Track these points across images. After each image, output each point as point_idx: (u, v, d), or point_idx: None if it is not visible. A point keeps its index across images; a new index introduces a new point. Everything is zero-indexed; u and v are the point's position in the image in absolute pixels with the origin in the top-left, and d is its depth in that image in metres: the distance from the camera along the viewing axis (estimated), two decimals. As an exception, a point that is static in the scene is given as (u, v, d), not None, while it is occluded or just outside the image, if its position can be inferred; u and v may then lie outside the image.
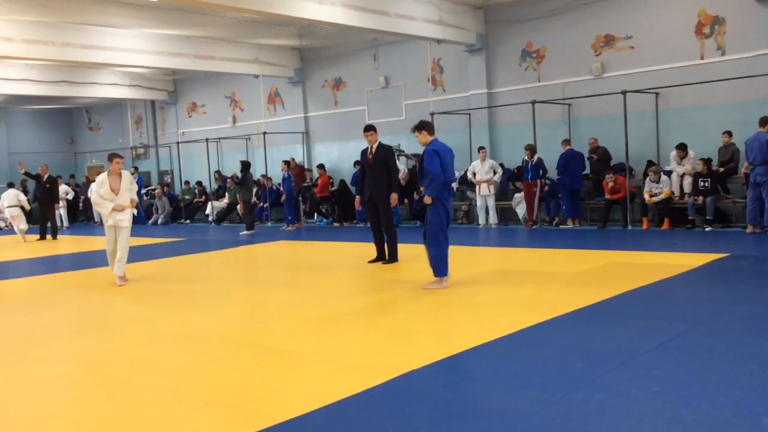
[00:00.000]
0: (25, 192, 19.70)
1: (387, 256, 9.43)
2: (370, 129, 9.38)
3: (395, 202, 9.28)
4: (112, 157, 8.70)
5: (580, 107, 13.91)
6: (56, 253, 13.68)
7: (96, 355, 5.36)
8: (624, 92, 12.42)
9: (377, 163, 9.25)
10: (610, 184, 12.57)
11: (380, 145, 9.41)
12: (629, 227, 12.41)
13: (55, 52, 14.31)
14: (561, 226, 13.25)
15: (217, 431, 3.54)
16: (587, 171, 13.57)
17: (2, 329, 6.56)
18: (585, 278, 7.53)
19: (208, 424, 3.67)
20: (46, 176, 16.65)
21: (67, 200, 20.62)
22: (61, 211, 19.69)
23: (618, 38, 13.38)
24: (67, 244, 15.67)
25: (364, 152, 9.51)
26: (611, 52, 13.48)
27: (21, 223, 16.84)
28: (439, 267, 7.25)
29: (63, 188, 20.00)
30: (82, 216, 22.58)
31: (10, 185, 17.98)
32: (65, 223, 20.55)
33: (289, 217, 16.31)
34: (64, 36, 14.29)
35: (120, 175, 8.72)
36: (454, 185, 8.06)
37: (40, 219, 16.81)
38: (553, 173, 13.55)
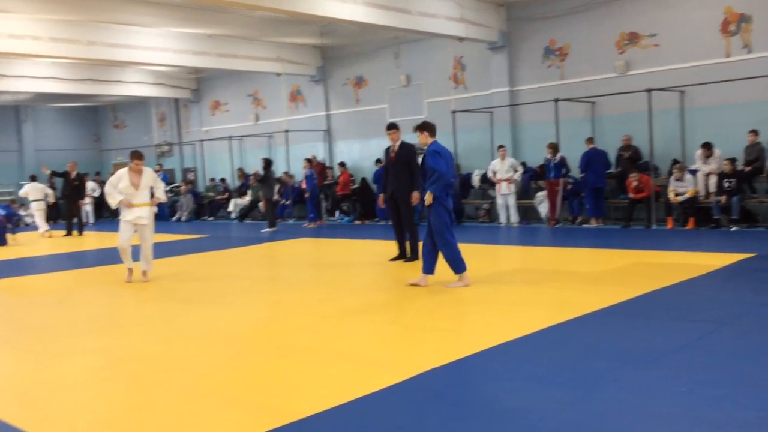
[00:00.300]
0: (53, 189, 20.02)
1: (408, 254, 9.43)
2: (392, 127, 9.38)
3: (416, 201, 9.27)
4: (132, 157, 8.66)
5: (604, 105, 13.78)
6: (82, 249, 13.85)
7: (119, 350, 5.42)
8: (648, 90, 12.28)
9: (399, 161, 9.25)
10: (634, 183, 12.44)
11: (403, 143, 9.41)
12: (653, 227, 12.28)
13: (81, 50, 14.48)
14: (584, 225, 13.14)
15: (238, 427, 3.56)
16: (612, 169, 13.44)
17: (29, 324, 6.65)
18: (608, 278, 7.47)
19: (230, 420, 3.70)
20: (74, 173, 16.89)
21: (93, 197, 20.88)
22: (88, 207, 19.93)
23: (642, 36, 13.23)
24: (92, 240, 15.86)
25: (387, 150, 9.52)
26: (635, 49, 13.34)
27: (42, 223, 17.12)
28: (457, 264, 7.26)
29: (90, 185, 20.25)
30: (107, 212, 22.85)
31: (33, 178, 18.14)
32: (91, 220, 20.80)
33: (311, 215, 16.36)
34: (90, 34, 14.45)
35: (140, 172, 8.67)
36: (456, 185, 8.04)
37: (67, 215, 17.09)
38: (576, 172, 13.45)
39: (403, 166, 9.23)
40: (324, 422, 3.59)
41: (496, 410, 3.62)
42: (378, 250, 10.64)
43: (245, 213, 19.15)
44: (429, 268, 7.37)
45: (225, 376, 4.53)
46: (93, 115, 26.55)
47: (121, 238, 8.65)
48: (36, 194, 17.21)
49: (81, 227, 17.03)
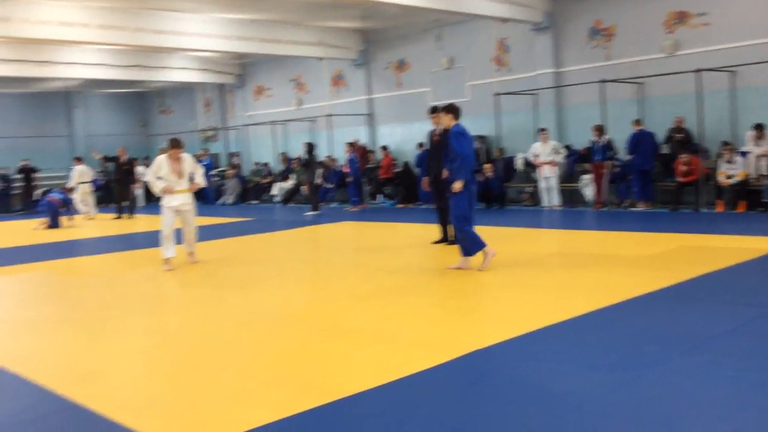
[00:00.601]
0: (107, 173, 20.55)
1: (451, 237, 9.43)
2: (435, 111, 9.36)
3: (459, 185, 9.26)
4: (172, 146, 8.61)
5: (652, 86, 13.50)
6: (132, 232, 14.21)
7: (169, 329, 5.58)
8: (698, 70, 11.99)
9: (443, 144, 9.22)
10: (683, 167, 12.17)
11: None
12: (702, 210, 12.03)
13: (128, 37, 14.77)
14: (631, 209, 12.94)
15: (285, 404, 3.66)
16: (660, 151, 13.18)
17: (84, 304, 6.89)
18: (655, 262, 7.37)
19: (277, 397, 3.80)
20: (124, 158, 17.32)
21: (143, 181, 21.33)
22: (138, 191, 20.39)
23: (692, 15, 12.89)
24: (142, 223, 16.25)
25: (430, 134, 9.52)
26: (684, 29, 13.01)
27: (91, 207, 17.62)
28: (472, 245, 7.26)
29: (139, 169, 20.71)
30: (156, 197, 23.31)
31: (78, 160, 18.47)
32: (141, 203, 21.28)
33: (354, 198, 16.46)
34: (137, 21, 14.72)
35: (180, 159, 8.66)
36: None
37: (118, 199, 17.58)
38: (622, 154, 13.24)
39: (446, 150, 9.19)
40: (368, 401, 3.66)
41: (539, 393, 3.63)
42: (420, 234, 10.67)
43: (289, 196, 19.36)
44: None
45: (271, 355, 4.64)
46: (140, 101, 27.07)
47: (164, 225, 8.62)
48: (83, 177, 17.67)
49: (131, 210, 17.46)
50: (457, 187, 7.16)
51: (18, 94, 23.64)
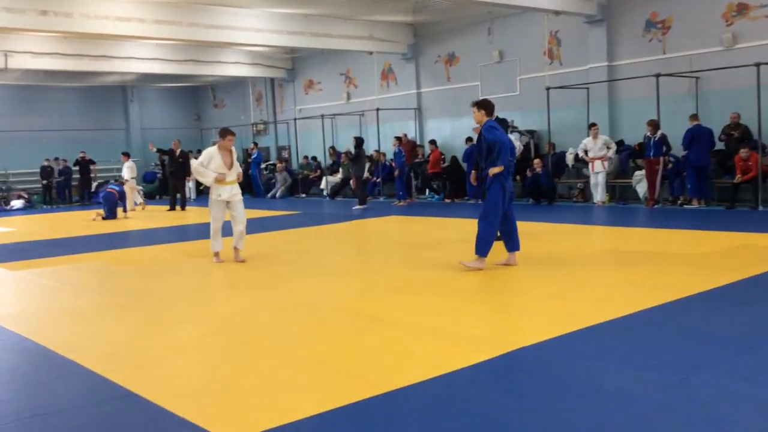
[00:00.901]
0: (163, 165, 21.05)
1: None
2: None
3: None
4: (225, 133, 8.53)
5: (709, 81, 13.12)
6: (183, 224, 14.52)
7: (221, 319, 5.69)
8: (758, 64, 11.60)
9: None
10: (743, 162, 11.78)
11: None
12: (760, 208, 11.66)
13: (182, 31, 15.07)
14: (686, 206, 12.62)
15: (334, 394, 3.70)
16: (717, 148, 12.81)
17: (138, 293, 7.08)
18: (709, 260, 7.18)
19: (327, 387, 3.85)
20: (178, 151, 17.70)
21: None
22: (190, 183, 20.81)
23: (752, 6, 12.47)
24: (193, 214, 16.59)
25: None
26: (744, 21, 12.60)
27: (138, 197, 18.15)
28: (483, 245, 7.16)
29: (193, 162, 21.12)
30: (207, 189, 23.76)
31: (127, 155, 18.88)
32: (193, 196, 21.71)
33: (401, 193, 16.47)
34: (191, 16, 15.01)
35: (231, 151, 8.63)
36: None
37: (172, 191, 17.97)
38: (677, 150, 12.91)
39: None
40: (417, 394, 3.67)
41: (587, 391, 3.59)
42: (468, 229, 10.59)
43: (337, 190, 19.49)
44: (512, 246, 7.33)
45: (321, 346, 4.69)
46: (194, 95, 27.60)
47: (213, 220, 8.58)
48: (132, 173, 18.15)
49: (184, 203, 17.83)
50: (494, 170, 7.04)
51: (77, 88, 24.36)
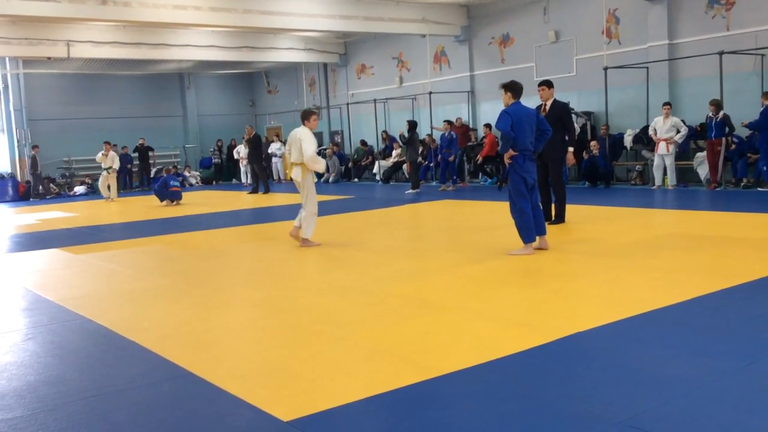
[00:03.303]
0: (220, 152, 21.53)
1: (554, 216, 9.22)
2: (544, 84, 9.08)
3: (572, 162, 9.04)
4: (309, 114, 8.29)
5: (776, 57, 12.59)
6: (243, 207, 14.75)
7: (275, 302, 5.77)
8: (830, 39, 11.08)
9: (551, 120, 8.92)
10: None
11: (555, 101, 9.09)
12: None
13: (237, 18, 15.24)
14: (759, 189, 12.11)
15: (385, 378, 3.70)
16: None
17: (198, 276, 7.23)
18: (775, 245, 6.92)
19: (379, 371, 3.85)
20: (250, 136, 18.29)
21: (278, 156, 22.19)
22: (279, 165, 21.55)
23: (825, -22, 11.89)
24: (251, 198, 16.84)
25: (537, 109, 9.23)
26: (816, -7, 12.03)
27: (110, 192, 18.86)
28: (525, 233, 7.11)
29: (274, 146, 21.79)
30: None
31: (108, 144, 19.46)
32: (249, 180, 22.04)
33: (453, 177, 16.35)
34: (245, 3, 15.17)
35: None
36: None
37: (252, 176, 18.69)
38: (741, 131, 12.43)
39: (554, 126, 8.89)
40: (470, 378, 3.65)
41: (646, 376, 3.50)
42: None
43: (389, 175, 19.48)
44: (539, 230, 7.24)
45: (372, 330, 4.70)
46: (248, 81, 27.93)
47: (316, 203, 8.43)
48: (114, 162, 18.81)
49: (266, 186, 18.22)
50: (506, 156, 7.14)
51: (134, 76, 24.93)
